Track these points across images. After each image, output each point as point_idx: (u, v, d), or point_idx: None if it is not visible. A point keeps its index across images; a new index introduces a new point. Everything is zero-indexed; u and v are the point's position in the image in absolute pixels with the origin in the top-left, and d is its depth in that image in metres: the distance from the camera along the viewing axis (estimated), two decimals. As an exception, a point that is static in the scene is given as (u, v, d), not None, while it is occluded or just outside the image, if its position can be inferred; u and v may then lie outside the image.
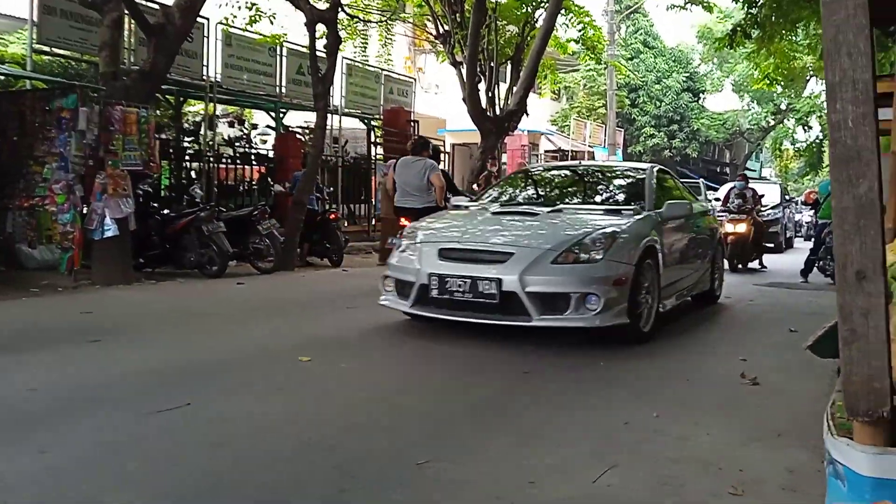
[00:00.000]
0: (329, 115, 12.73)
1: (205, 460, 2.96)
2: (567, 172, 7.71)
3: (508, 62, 16.18)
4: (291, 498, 2.64)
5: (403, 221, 8.00)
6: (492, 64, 15.38)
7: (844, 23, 1.03)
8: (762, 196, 14.29)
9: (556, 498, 2.64)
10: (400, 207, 8.53)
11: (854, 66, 1.01)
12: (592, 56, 18.84)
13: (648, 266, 5.60)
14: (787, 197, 21.16)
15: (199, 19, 10.59)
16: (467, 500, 2.65)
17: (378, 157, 15.82)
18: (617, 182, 7.14)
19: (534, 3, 15.68)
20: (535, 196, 6.95)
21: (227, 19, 12.23)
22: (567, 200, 6.67)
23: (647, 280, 5.58)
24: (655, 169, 6.99)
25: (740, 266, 12.44)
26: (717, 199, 18.13)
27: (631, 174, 7.18)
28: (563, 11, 15.47)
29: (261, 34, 13.01)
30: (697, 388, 4.34)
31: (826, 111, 1.05)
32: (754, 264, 13.03)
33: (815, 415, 3.71)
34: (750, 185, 13.76)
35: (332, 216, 11.82)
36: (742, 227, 12.38)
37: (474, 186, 13.51)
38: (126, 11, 9.06)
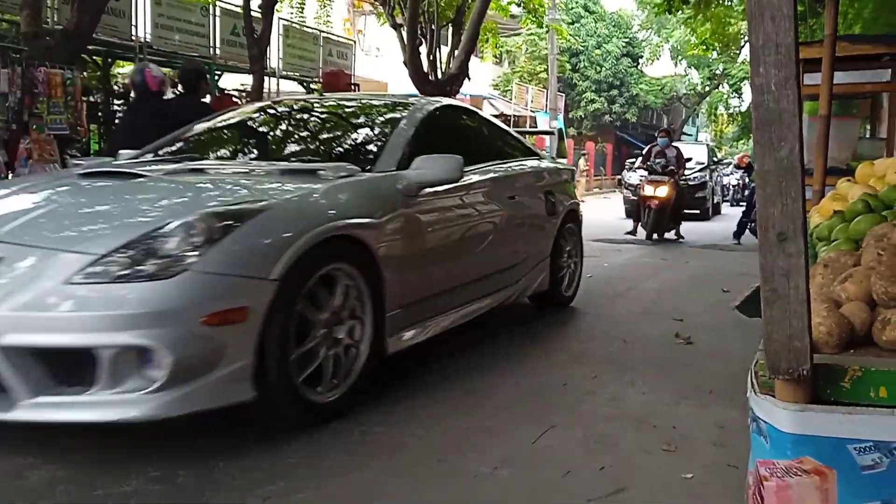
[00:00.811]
0: (266, 78, 12.39)
1: None
2: (296, 111, 4.77)
3: (450, 25, 15.99)
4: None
5: None
6: (433, 27, 15.19)
7: (769, -14, 1.04)
8: (689, 159, 13.04)
9: (497, 459, 2.69)
10: None
11: (777, 30, 1.02)
12: (534, 19, 18.78)
13: (342, 276, 3.08)
14: (714, 158, 19.29)
15: (126, -24, 10.12)
16: (407, 463, 2.67)
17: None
18: (361, 129, 4.42)
19: (475, -35, 15.50)
20: (200, 149, 4.27)
21: (156, -23, 11.72)
22: (248, 155, 4.28)
23: (327, 306, 3.01)
24: (432, 107, 4.35)
25: (656, 237, 11.06)
26: (632, 162, 17.62)
27: (387, 114, 4.36)
28: (504, -26, 15.37)
29: (193, -7, 12.55)
30: (633, 349, 4.45)
31: (750, 71, 1.06)
32: (670, 235, 11.35)
33: (744, 373, 3.84)
34: (674, 144, 11.97)
35: None
36: (663, 191, 10.75)
37: None
38: (47, -33, 8.60)
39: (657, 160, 11.10)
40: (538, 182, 5.21)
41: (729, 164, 23.42)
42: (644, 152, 11.96)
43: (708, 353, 4.36)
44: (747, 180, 16.27)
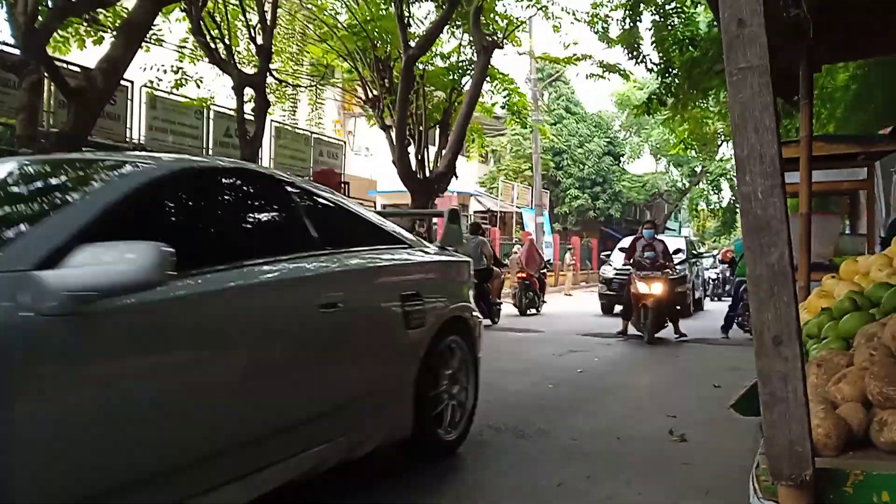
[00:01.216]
0: (257, 178, 12.61)
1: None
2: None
3: (437, 126, 16.51)
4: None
5: None
6: (421, 128, 15.66)
7: (750, 101, 1.10)
8: (676, 251, 12.82)
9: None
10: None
11: (761, 141, 1.08)
12: (518, 121, 19.42)
13: None
14: (693, 251, 18.08)
15: (122, 82, 10.43)
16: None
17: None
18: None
19: (460, 71, 16.15)
20: None
21: (151, 83, 12.10)
22: None
23: None
24: (167, 170, 2.77)
25: (655, 337, 10.05)
26: (607, 254, 16.81)
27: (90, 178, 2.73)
28: (488, 79, 15.98)
29: (187, 97, 12.92)
30: (628, 446, 4.38)
31: (736, 181, 1.11)
32: (667, 333, 10.43)
33: (741, 471, 3.78)
34: (659, 237, 11.41)
35: None
36: (659, 288, 9.89)
37: None
38: (46, 74, 8.87)
39: (646, 253, 10.27)
40: (392, 281, 3.73)
41: (710, 257, 23.51)
42: (628, 246, 11.05)
43: (703, 450, 4.29)
44: (729, 275, 16.32)
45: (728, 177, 33.77)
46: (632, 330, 10.61)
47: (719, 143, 25.22)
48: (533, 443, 4.43)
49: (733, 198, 34.69)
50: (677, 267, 14.12)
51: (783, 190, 1.09)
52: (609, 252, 17.95)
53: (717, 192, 36.50)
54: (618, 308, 13.49)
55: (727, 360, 8.33)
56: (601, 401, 5.84)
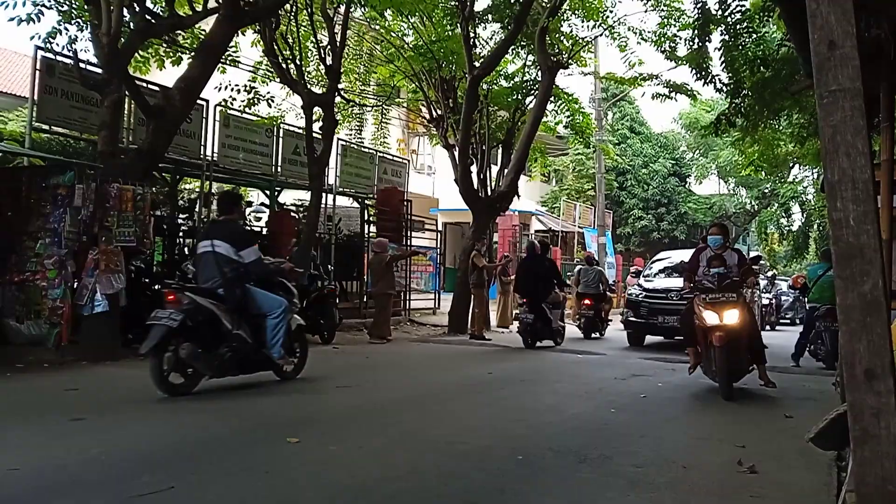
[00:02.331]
0: (323, 194, 12.88)
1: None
2: None
3: (499, 146, 16.55)
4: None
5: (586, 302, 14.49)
6: (483, 147, 15.73)
7: (842, 124, 1.07)
8: (757, 260, 10.18)
9: None
10: (583, 293, 14.88)
11: (853, 166, 1.04)
12: (581, 140, 19.30)
13: None
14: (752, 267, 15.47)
15: (198, 101, 10.82)
16: None
17: (371, 234, 15.93)
18: None
19: (524, 91, 16.17)
20: None
21: (225, 102, 12.51)
22: None
23: None
24: None
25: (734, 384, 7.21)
26: (637, 270, 16.24)
27: None
28: (552, 98, 15.95)
29: (258, 115, 13.29)
30: (694, 476, 4.25)
31: (827, 206, 1.07)
32: (749, 381, 7.64)
33: (814, 506, 3.65)
34: (734, 248, 8.61)
35: (331, 291, 11.81)
36: (734, 317, 7.02)
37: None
38: (127, 93, 9.27)
39: (712, 269, 7.45)
40: None
41: (773, 276, 22.91)
42: (689, 259, 8.33)
43: (774, 483, 4.13)
44: (805, 301, 15.11)
45: (800, 199, 32.70)
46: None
47: (791, 164, 24.45)
48: (595, 469, 4.34)
49: (802, 218, 33.61)
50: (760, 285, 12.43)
51: (877, 216, 1.05)
52: (639, 268, 16.90)
53: (787, 215, 35.38)
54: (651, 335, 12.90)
55: (798, 390, 8.03)
56: (665, 428, 5.69)
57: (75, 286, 8.30)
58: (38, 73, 9.55)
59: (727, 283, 7.27)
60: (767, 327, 19.67)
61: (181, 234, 11.84)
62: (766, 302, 20.45)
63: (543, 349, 11.71)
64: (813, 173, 27.03)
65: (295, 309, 7.30)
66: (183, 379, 6.30)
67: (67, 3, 10.14)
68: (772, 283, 21.99)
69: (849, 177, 1.04)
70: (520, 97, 16.18)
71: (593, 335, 14.47)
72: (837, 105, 1.05)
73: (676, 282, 11.34)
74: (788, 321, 22.99)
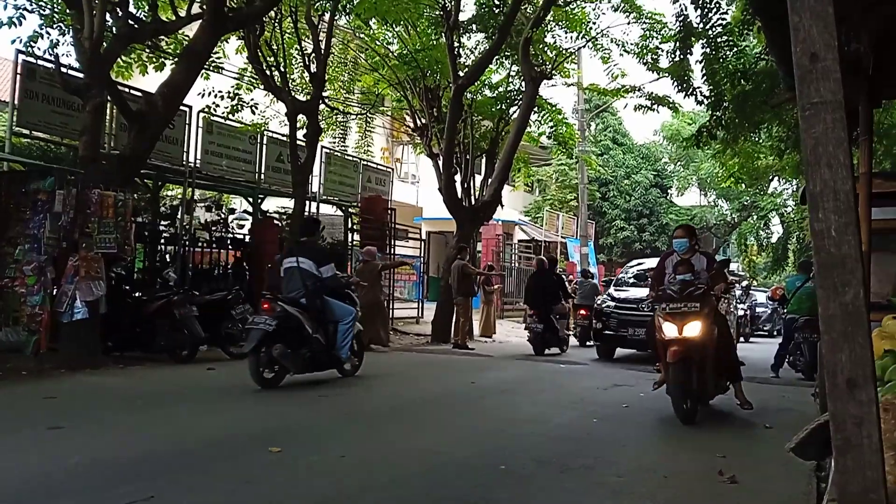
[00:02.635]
0: (307, 202, 12.84)
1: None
2: None
3: (483, 155, 16.60)
4: None
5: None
6: (467, 156, 15.77)
7: (823, 135, 1.08)
8: (727, 263, 10.40)
9: None
10: (579, 304, 15.31)
11: (835, 177, 1.06)
12: (564, 151, 19.40)
13: None
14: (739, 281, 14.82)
15: (181, 107, 10.76)
16: None
17: (355, 242, 15.89)
18: None
19: (508, 101, 16.25)
20: None
21: (209, 108, 12.46)
22: None
23: None
24: None
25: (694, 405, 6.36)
26: (607, 280, 15.87)
27: None
28: (536, 109, 16.04)
29: (242, 122, 13.24)
30: (675, 485, 4.27)
31: (809, 217, 1.08)
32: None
33: (794, 516, 3.68)
34: (702, 251, 7.38)
35: None
36: (695, 329, 6.24)
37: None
38: (109, 98, 9.20)
39: (678, 276, 6.62)
40: None
41: (748, 286, 22.73)
42: (655, 267, 7.53)
43: (754, 492, 4.16)
44: (783, 312, 14.78)
45: (780, 211, 33.05)
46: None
47: (770, 177, 24.70)
48: (577, 479, 4.35)
49: (780, 230, 34.01)
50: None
51: (857, 227, 1.06)
52: (612, 278, 16.41)
53: (766, 227, 35.76)
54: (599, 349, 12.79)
55: (778, 401, 8.10)
56: (647, 438, 5.72)
57: (55, 293, 8.20)
58: (18, 76, 9.47)
59: (690, 292, 6.42)
60: (741, 339, 17.65)
61: (162, 240, 11.75)
62: (740, 313, 19.17)
63: (530, 358, 11.74)
64: (792, 185, 27.32)
65: (359, 316, 8.56)
66: (272, 374, 7.43)
67: (49, 6, 10.07)
68: (746, 294, 21.61)
69: (830, 188, 1.05)
70: (504, 107, 16.25)
71: (587, 343, 14.61)
72: (819, 117, 1.07)
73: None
74: (766, 333, 22.64)
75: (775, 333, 21.66)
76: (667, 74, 13.18)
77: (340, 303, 8.03)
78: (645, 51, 14.95)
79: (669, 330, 6.32)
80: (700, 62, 11.28)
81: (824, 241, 1.05)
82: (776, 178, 25.92)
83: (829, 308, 1.07)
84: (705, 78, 11.38)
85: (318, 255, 8.02)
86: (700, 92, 11.88)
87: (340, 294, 8.15)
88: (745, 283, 23.05)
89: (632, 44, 15.34)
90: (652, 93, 16.61)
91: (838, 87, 1.09)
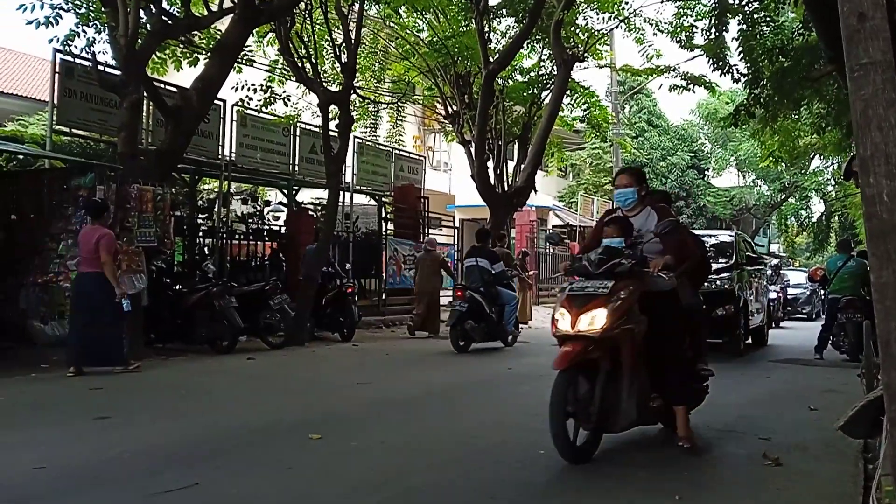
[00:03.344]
0: (341, 192, 12.91)
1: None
2: None
3: (516, 141, 16.50)
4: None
5: None
6: (500, 142, 15.68)
7: (873, 97, 1.04)
8: (720, 251, 10.05)
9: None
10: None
11: (886, 140, 1.01)
12: (598, 134, 19.19)
13: None
14: (749, 254, 11.79)
15: (215, 102, 10.87)
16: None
17: (389, 232, 15.95)
18: None
19: (539, 85, 16.10)
20: None
21: (242, 101, 12.57)
22: None
23: None
24: None
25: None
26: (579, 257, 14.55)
27: None
28: (568, 92, 15.86)
29: (275, 115, 13.34)
30: (719, 468, 4.22)
31: (860, 183, 1.04)
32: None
33: (841, 497, 3.60)
34: (661, 204, 5.06)
35: (349, 290, 11.86)
36: (595, 321, 4.22)
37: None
38: (145, 94, 9.34)
39: (605, 241, 4.62)
40: None
41: (778, 265, 20.43)
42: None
43: (799, 475, 4.08)
44: (822, 293, 13.87)
45: (821, 190, 32.28)
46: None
47: (811, 156, 24.10)
48: (616, 463, 4.31)
49: (821, 209, 33.27)
50: (723, 277, 9.69)
51: (912, 191, 1.02)
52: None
53: (807, 207, 35.01)
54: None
55: (822, 382, 7.94)
56: (693, 419, 5.63)
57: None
58: (57, 75, 9.65)
59: (611, 266, 4.38)
60: (773, 325, 15.99)
61: (200, 233, 11.92)
62: (772, 295, 16.38)
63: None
64: (833, 164, 26.65)
65: (518, 301, 11.61)
66: (462, 343, 10.32)
67: (85, 5, 10.22)
68: (777, 274, 18.99)
69: (881, 151, 1.01)
70: (535, 92, 16.11)
71: None
72: (869, 78, 1.03)
73: None
74: (805, 316, 21.07)
75: (814, 317, 20.59)
76: (702, 52, 12.90)
77: (504, 290, 10.75)
78: (679, 29, 14.66)
79: (561, 321, 4.40)
80: (736, 39, 11.03)
81: (876, 206, 1.01)
82: (817, 156, 25.29)
83: (881, 276, 1.03)
84: (742, 55, 11.13)
85: (490, 256, 10.74)
86: (737, 70, 11.62)
87: (505, 284, 10.84)
88: (774, 262, 20.42)
89: (666, 22, 15.07)
90: (687, 72, 16.32)
91: (888, 47, 1.04)
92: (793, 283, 21.28)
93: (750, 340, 11.54)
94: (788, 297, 20.16)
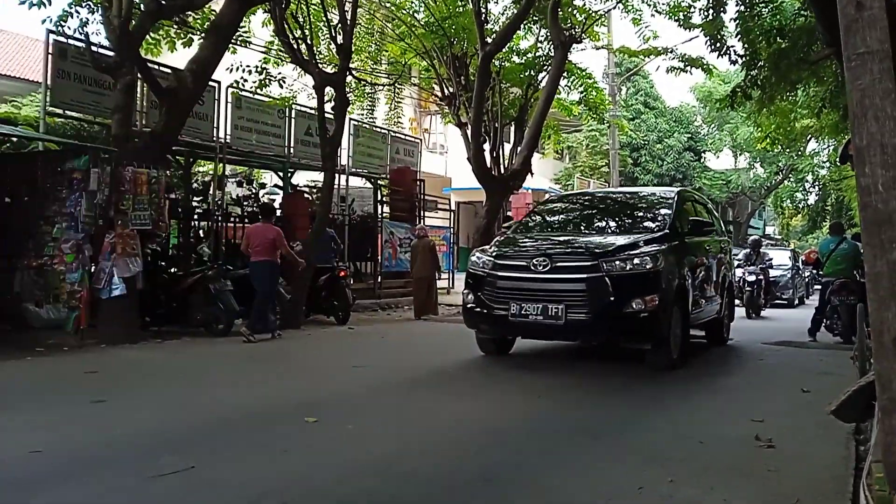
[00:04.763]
0: (336, 175, 12.86)
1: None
2: None
3: (512, 123, 16.42)
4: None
5: None
6: (496, 125, 15.61)
7: (870, 87, 1.04)
8: (645, 216, 8.00)
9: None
10: None
11: (882, 130, 1.01)
12: (595, 116, 19.11)
13: None
14: (688, 218, 8.16)
15: (209, 83, 10.79)
16: None
17: (385, 215, 15.91)
18: None
19: (536, 67, 16.00)
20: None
21: (237, 83, 12.48)
22: None
23: None
24: None
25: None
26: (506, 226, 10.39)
27: None
28: (565, 74, 15.77)
29: (270, 97, 13.25)
30: (712, 451, 4.24)
31: (855, 172, 1.04)
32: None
33: (833, 480, 3.63)
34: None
35: (342, 273, 11.84)
36: None
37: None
38: (139, 76, 9.26)
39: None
40: None
41: (757, 241, 17.48)
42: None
43: (792, 457, 4.11)
44: (818, 276, 13.27)
45: (816, 173, 32.25)
46: None
47: (808, 138, 24.04)
48: (610, 445, 4.35)
49: (817, 192, 33.25)
50: (643, 253, 6.76)
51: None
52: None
53: (803, 191, 34.99)
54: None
55: (815, 364, 7.98)
56: (682, 404, 5.67)
57: (93, 270, 8.36)
58: (50, 57, 9.56)
59: None
60: (752, 314, 14.66)
61: (196, 216, 11.88)
62: (750, 278, 14.82)
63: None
64: (829, 146, 26.60)
65: None
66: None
67: (77, -15, 10.10)
68: (756, 253, 15.91)
69: (877, 141, 1.01)
70: (533, 73, 16.01)
71: None
72: (866, 68, 1.02)
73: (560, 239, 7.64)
74: (785, 302, 18.55)
75: (796, 303, 19.17)
76: (700, 32, 12.79)
77: None
78: (677, 9, 14.55)
79: None
80: (734, 20, 10.97)
81: (871, 196, 1.01)
82: (813, 139, 25.25)
83: (875, 265, 1.03)
84: (740, 36, 11.07)
85: None
86: (734, 51, 11.56)
87: None
88: (752, 239, 17.80)
89: (663, 3, 14.95)
90: (684, 55, 16.22)
91: (885, 37, 1.04)
92: (773, 262, 17.05)
93: (704, 337, 9.12)
94: (770, 279, 16.45)
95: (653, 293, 6.60)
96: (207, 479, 3.49)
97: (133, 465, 3.66)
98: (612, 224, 8.28)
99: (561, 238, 7.71)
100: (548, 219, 8.95)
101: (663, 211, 8.07)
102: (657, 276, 6.72)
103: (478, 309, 7.23)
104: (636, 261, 6.72)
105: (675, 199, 8.29)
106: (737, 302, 14.58)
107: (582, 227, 8.38)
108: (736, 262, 15.42)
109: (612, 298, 6.56)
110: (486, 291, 7.13)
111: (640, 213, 8.36)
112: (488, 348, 7.83)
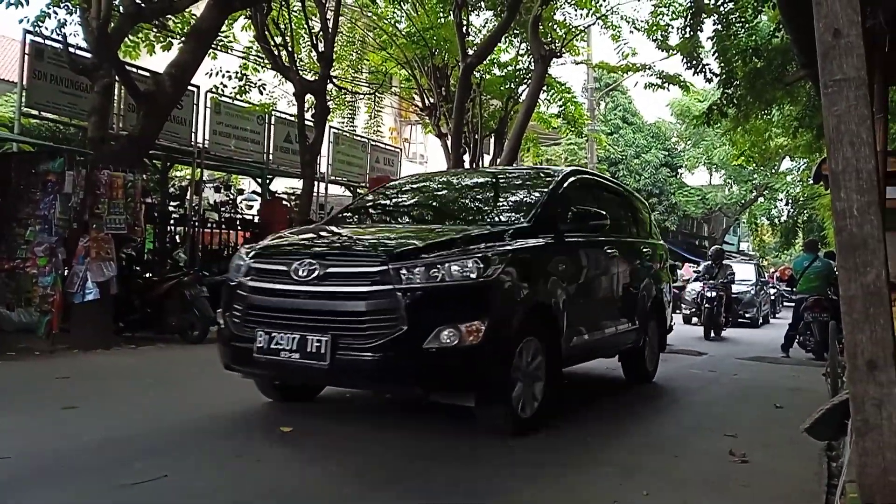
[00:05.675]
0: (315, 182, 12.82)
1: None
2: None
3: (492, 135, 16.50)
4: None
5: None
6: (476, 136, 15.68)
7: (846, 113, 1.06)
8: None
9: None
10: None
11: (857, 156, 1.04)
12: (573, 130, 19.26)
13: None
14: (591, 209, 5.73)
15: (188, 87, 10.72)
16: None
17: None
18: None
19: (517, 80, 16.12)
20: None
21: (216, 88, 12.41)
22: None
23: None
24: None
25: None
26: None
27: None
28: (545, 88, 15.89)
29: (250, 103, 13.19)
30: (686, 465, 4.28)
31: (831, 196, 1.06)
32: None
33: (804, 495, 3.68)
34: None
35: None
36: None
37: None
38: (117, 78, 9.18)
39: None
40: None
41: (719, 252, 15.36)
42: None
43: (765, 472, 4.16)
44: (773, 293, 13.07)
45: (789, 191, 32.79)
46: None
47: (782, 157, 24.43)
48: (582, 455, 4.36)
49: (790, 209, 33.82)
50: (439, 256, 4.38)
51: (880, 207, 1.04)
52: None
53: (775, 208, 35.55)
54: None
55: (788, 381, 8.10)
56: (656, 418, 5.72)
57: (66, 274, 8.24)
58: (26, 57, 9.44)
59: None
60: (713, 333, 13.56)
61: (172, 221, 11.77)
62: (710, 294, 13.67)
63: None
64: (802, 165, 27.07)
65: None
66: None
67: (56, -15, 10.00)
68: (718, 266, 14.51)
69: (853, 167, 1.03)
70: (513, 86, 16.12)
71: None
72: (842, 94, 1.05)
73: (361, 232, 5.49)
74: (748, 321, 17.29)
75: (760, 322, 18.00)
76: (677, 51, 12.98)
77: None
78: (655, 28, 14.75)
79: None
80: (711, 38, 11.14)
81: (846, 220, 1.04)
82: (787, 157, 25.67)
83: (850, 289, 1.06)
84: (716, 55, 11.25)
85: None
86: (709, 69, 11.74)
87: None
88: (714, 248, 15.88)
89: (642, 21, 15.15)
90: (662, 71, 16.44)
91: (861, 64, 1.07)
92: (735, 277, 15.26)
93: (623, 366, 7.39)
94: (732, 294, 15.03)
95: (475, 318, 4.25)
96: (180, 488, 3.44)
97: (104, 473, 3.60)
98: (466, 214, 5.81)
99: (357, 231, 5.52)
100: (384, 204, 6.40)
101: (535, 196, 5.70)
102: (484, 290, 4.38)
103: (225, 337, 4.89)
104: (452, 267, 4.32)
105: (558, 179, 5.82)
106: (694, 321, 14.73)
107: (418, 216, 5.96)
108: (695, 276, 15.71)
109: (405, 326, 4.18)
110: (234, 311, 4.78)
111: (512, 199, 5.96)
112: (269, 393, 5.50)
